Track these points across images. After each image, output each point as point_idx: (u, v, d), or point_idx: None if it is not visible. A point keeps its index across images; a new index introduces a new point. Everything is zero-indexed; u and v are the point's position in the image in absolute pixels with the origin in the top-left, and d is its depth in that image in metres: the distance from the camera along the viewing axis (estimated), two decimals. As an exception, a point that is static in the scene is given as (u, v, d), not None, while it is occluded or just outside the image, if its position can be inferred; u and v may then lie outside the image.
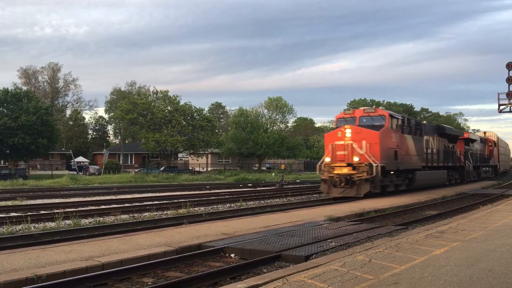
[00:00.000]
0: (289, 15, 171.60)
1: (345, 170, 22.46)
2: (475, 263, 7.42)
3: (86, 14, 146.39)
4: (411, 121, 27.29)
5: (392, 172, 23.81)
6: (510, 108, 27.84)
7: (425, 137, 28.72)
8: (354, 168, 22.34)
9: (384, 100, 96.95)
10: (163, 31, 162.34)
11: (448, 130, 33.81)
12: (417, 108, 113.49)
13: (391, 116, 24.15)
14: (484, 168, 45.03)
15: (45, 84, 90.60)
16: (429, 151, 29.23)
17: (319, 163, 24.40)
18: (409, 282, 6.25)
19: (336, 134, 23.37)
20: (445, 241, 9.55)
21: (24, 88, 72.86)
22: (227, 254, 9.64)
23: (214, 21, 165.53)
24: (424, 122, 32.20)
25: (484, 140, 47.04)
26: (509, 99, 27.21)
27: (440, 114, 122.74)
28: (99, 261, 8.24)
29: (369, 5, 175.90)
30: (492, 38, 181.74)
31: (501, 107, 27.99)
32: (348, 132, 22.77)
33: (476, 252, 8.34)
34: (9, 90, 58.57)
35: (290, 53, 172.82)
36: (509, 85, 26.83)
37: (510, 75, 26.55)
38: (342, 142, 22.86)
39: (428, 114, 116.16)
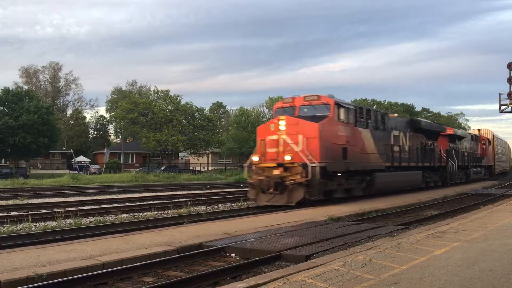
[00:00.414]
0: (291, 14, 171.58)
1: (276, 172, 18.29)
2: (476, 263, 7.42)
3: (88, 13, 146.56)
4: (371, 112, 22.79)
5: (339, 174, 19.54)
6: (511, 108, 27.83)
7: (393, 133, 24.45)
8: (286, 169, 18.17)
9: (385, 100, 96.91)
10: (164, 31, 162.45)
11: (425, 125, 29.34)
12: (418, 108, 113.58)
13: (338, 105, 19.58)
14: (474, 169, 40.63)
15: (46, 83, 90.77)
16: (397, 148, 24.75)
17: (246, 163, 20.58)
18: (409, 282, 6.25)
19: (269, 127, 19.12)
20: (445, 241, 9.55)
21: (25, 87, 73.07)
22: (227, 254, 9.64)
23: (216, 21, 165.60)
24: (395, 115, 28.17)
25: (476, 138, 43.25)
26: (510, 99, 27.18)
27: (441, 114, 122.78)
28: (100, 260, 8.24)
29: (372, 4, 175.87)
30: (494, 38, 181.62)
31: (502, 107, 27.96)
32: (282, 124, 18.56)
33: (477, 252, 8.33)
34: (10, 89, 58.68)
35: (292, 53, 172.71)
36: (510, 85, 26.80)
37: (511, 75, 26.53)
38: (275, 137, 18.69)
39: (429, 114, 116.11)
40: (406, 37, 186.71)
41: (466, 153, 38.17)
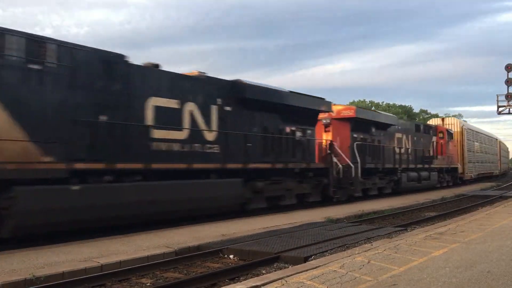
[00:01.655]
0: (291, 15, 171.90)
1: None
2: (474, 264, 7.43)
3: (87, 14, 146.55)
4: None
5: None
6: (509, 110, 27.95)
7: (152, 102, 12.53)
8: None
9: (383, 102, 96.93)
10: (164, 32, 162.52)
11: (270, 96, 16.32)
12: (417, 110, 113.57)
13: None
14: (413, 173, 27.07)
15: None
16: (160, 134, 12.74)
17: None
18: (408, 284, 6.25)
19: None
20: (444, 243, 9.55)
21: (23, 88, 72.90)
22: (226, 255, 9.63)
23: (216, 22, 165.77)
24: (196, 72, 14.53)
25: (427, 129, 31.04)
26: (508, 101, 27.30)
27: (440, 115, 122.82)
28: (98, 262, 8.23)
29: (371, 6, 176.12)
30: (493, 39, 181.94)
31: (500, 109, 28.11)
32: None
33: (475, 254, 8.34)
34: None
35: (291, 54, 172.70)
36: (508, 87, 26.93)
37: (509, 77, 26.65)
38: None
39: (427, 116, 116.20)
40: (405, 38, 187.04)
41: (395, 149, 25.62)
